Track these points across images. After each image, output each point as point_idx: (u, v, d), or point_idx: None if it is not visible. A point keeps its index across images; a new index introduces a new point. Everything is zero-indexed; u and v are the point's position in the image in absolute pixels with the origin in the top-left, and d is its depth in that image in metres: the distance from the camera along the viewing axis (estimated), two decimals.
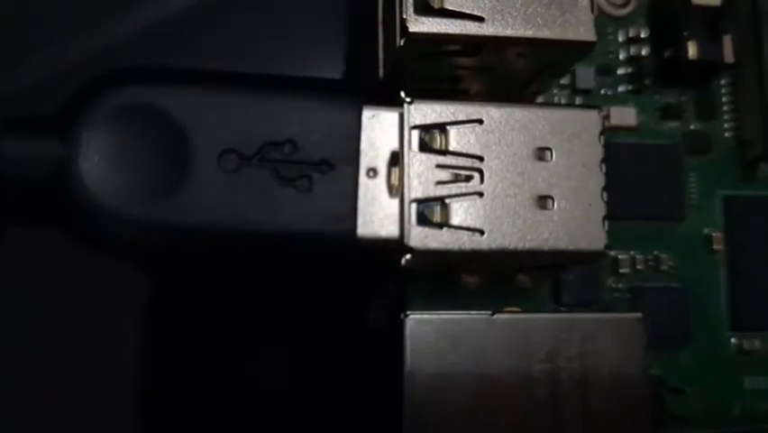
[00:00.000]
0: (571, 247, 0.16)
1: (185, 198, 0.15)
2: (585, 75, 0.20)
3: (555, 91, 0.20)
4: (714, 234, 0.20)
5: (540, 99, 0.20)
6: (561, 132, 0.16)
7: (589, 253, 0.16)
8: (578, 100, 0.20)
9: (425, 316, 0.15)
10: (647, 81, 0.20)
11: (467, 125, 0.16)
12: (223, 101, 0.15)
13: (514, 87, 0.18)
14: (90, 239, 0.15)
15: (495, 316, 0.16)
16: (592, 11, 0.16)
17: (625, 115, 0.20)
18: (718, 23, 0.19)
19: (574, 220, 0.16)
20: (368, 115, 0.16)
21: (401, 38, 0.16)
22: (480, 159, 0.16)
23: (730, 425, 0.20)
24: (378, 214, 0.15)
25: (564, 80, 0.20)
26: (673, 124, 0.20)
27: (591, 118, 0.16)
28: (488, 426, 0.15)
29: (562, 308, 0.19)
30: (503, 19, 0.16)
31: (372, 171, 0.16)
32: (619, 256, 0.20)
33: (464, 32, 0.16)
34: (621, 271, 0.19)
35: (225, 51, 0.19)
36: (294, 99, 0.15)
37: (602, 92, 0.20)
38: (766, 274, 0.20)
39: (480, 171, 0.16)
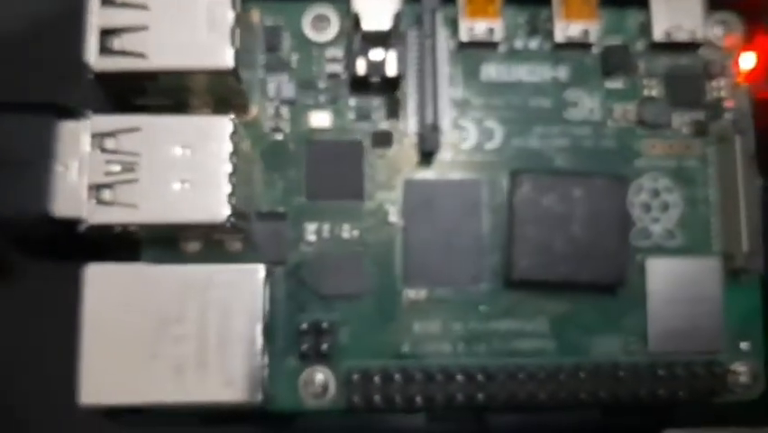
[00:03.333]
0: (198, 219, 0.22)
1: None
2: (287, 88, 0.26)
3: (267, 104, 0.26)
4: (391, 209, 0.26)
5: (254, 108, 0.26)
6: (199, 133, 0.22)
7: (212, 224, 0.22)
8: (283, 109, 0.26)
9: (101, 265, 0.22)
10: (342, 92, 0.26)
11: (131, 132, 0.22)
12: None
13: (221, 98, 0.25)
14: None
15: (153, 265, 0.22)
16: (232, 45, 0.22)
17: (321, 119, 0.26)
18: (385, 43, 0.25)
19: (204, 199, 0.22)
20: (65, 125, 0.22)
21: (89, 74, 0.22)
22: (138, 155, 0.22)
23: (401, 359, 0.25)
24: (67, 197, 0.22)
25: (272, 93, 0.26)
26: (364, 125, 0.26)
27: (223, 123, 0.22)
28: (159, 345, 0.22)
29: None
30: (161, 54, 0.22)
31: (65, 166, 0.22)
32: (308, 226, 0.25)
33: (132, 67, 0.22)
34: (308, 238, 0.25)
35: None
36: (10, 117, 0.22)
37: (305, 102, 0.26)
38: (433, 240, 0.25)
39: (138, 164, 0.22)
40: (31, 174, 0.22)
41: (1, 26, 0.25)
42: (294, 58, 0.26)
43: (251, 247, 0.25)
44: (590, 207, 0.25)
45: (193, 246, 0.25)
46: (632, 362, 0.25)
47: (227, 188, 0.22)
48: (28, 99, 0.23)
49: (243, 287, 0.22)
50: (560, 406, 0.25)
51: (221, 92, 0.24)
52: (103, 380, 0.21)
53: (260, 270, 0.22)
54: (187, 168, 0.22)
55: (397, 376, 0.24)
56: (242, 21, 0.24)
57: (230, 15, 0.22)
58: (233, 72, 0.23)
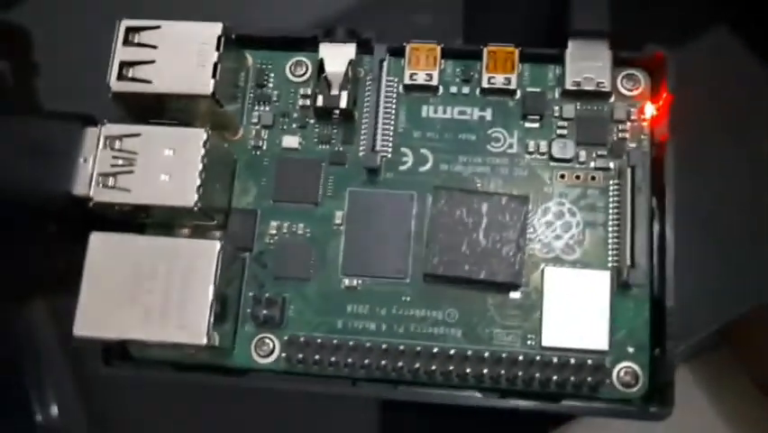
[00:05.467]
0: (173, 203, 0.29)
1: None
2: (267, 116, 0.33)
3: (251, 128, 0.33)
4: (337, 214, 0.32)
5: (242, 130, 0.33)
6: (182, 140, 0.29)
7: (183, 207, 0.29)
8: (263, 132, 0.33)
9: (102, 233, 0.29)
10: (310, 121, 0.33)
11: (133, 136, 0.30)
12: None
13: (214, 121, 0.32)
14: None
15: (138, 235, 0.29)
16: (214, 77, 0.30)
17: (291, 141, 0.33)
18: (341, 83, 0.32)
19: (178, 188, 0.29)
20: (89, 130, 0.30)
21: (110, 94, 0.30)
22: (136, 153, 0.30)
23: (334, 333, 0.31)
24: (83, 182, 0.30)
25: (255, 121, 0.33)
26: (324, 147, 0.33)
27: (200, 133, 0.29)
28: (135, 296, 0.29)
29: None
30: (161, 81, 0.30)
31: (85, 159, 0.30)
32: (272, 223, 0.32)
33: (140, 90, 0.30)
34: (270, 232, 0.32)
35: None
36: (49, 121, 0.31)
37: (280, 127, 0.33)
38: (369, 240, 0.31)
39: (135, 160, 0.29)
40: (62, 163, 0.30)
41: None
42: (276, 93, 0.33)
43: (228, 236, 0.32)
44: (493, 219, 0.30)
45: (184, 232, 0.32)
46: (526, 353, 0.30)
47: (197, 182, 0.29)
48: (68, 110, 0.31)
49: (202, 256, 0.29)
50: (457, 385, 0.30)
51: (212, 115, 0.31)
52: (93, 318, 0.29)
53: (216, 244, 0.29)
54: (171, 165, 0.29)
55: (329, 346, 0.30)
56: (238, 63, 0.32)
57: (214, 55, 0.30)
58: (213, 97, 0.30)
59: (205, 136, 0.30)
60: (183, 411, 0.36)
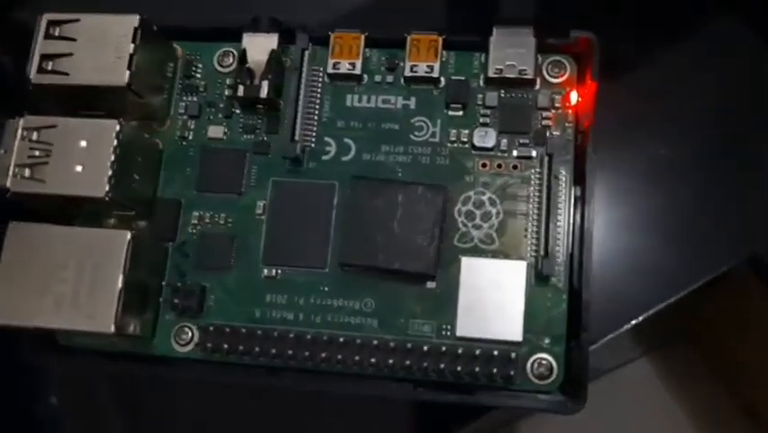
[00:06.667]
0: (85, 193, 0.29)
1: None
2: (193, 107, 0.33)
3: (178, 118, 0.33)
4: (259, 204, 0.32)
5: (169, 120, 0.33)
6: (95, 131, 0.30)
7: (94, 198, 0.29)
8: (190, 122, 0.33)
9: (20, 223, 0.30)
10: (236, 111, 0.33)
11: (50, 128, 0.30)
12: None
13: (141, 112, 0.32)
14: None
15: (53, 225, 0.30)
16: (129, 68, 0.30)
17: (216, 131, 0.33)
18: (263, 73, 0.32)
19: (90, 179, 0.29)
20: (9, 122, 0.31)
21: (29, 86, 0.31)
22: (52, 144, 0.30)
23: (253, 322, 0.31)
24: (1, 172, 0.30)
25: (182, 111, 0.33)
26: (249, 137, 0.33)
27: (112, 125, 0.30)
28: (48, 285, 0.29)
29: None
30: (79, 73, 0.30)
31: (6, 151, 0.31)
32: (194, 213, 0.32)
33: (58, 82, 0.30)
34: (193, 222, 0.32)
35: None
36: None
37: (206, 117, 0.33)
38: (290, 231, 0.31)
39: (51, 152, 0.30)
40: None
41: None
42: (203, 83, 0.33)
43: (151, 225, 0.32)
44: (408, 209, 0.30)
45: (110, 223, 0.33)
46: (441, 343, 0.30)
47: (109, 172, 0.29)
48: None
49: (113, 246, 0.29)
50: (372, 375, 0.30)
51: (136, 106, 0.32)
52: (5, 306, 0.29)
53: (126, 234, 0.29)
54: (86, 156, 0.30)
55: (244, 334, 0.31)
56: (163, 54, 0.32)
57: (130, 46, 0.30)
58: (129, 88, 0.30)
59: (117, 127, 0.30)
60: (186, 405, 0.37)
